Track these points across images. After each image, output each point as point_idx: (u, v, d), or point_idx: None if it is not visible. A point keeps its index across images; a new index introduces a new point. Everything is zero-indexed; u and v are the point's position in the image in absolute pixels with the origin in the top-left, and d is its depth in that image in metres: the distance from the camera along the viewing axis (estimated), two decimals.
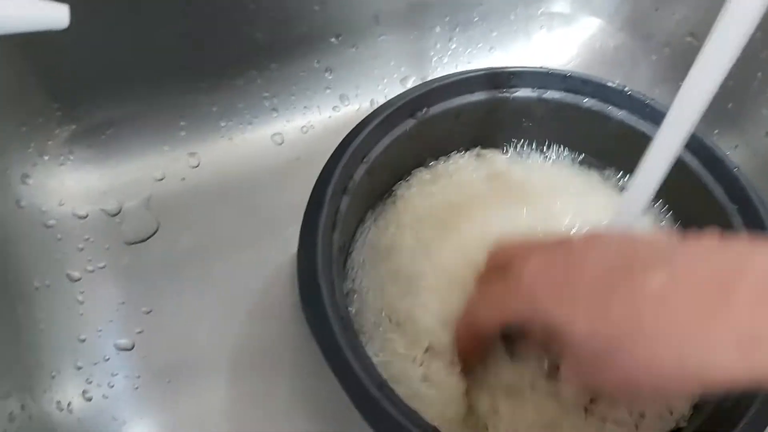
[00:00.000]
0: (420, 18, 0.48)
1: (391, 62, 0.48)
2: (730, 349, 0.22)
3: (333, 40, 0.46)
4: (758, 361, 0.22)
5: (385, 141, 0.37)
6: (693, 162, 0.37)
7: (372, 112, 0.37)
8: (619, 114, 0.38)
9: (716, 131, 0.46)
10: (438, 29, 0.49)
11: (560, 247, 0.28)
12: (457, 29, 0.49)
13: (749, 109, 0.45)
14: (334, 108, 0.48)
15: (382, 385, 0.29)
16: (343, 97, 0.48)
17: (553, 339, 0.26)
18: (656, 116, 0.37)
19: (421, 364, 0.33)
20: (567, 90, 0.38)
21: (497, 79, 0.38)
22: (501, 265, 0.30)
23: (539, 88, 0.39)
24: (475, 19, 0.49)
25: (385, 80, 0.49)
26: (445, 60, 0.50)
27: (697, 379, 0.23)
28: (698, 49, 0.44)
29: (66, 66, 0.40)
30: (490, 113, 0.39)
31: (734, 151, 0.46)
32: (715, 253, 0.24)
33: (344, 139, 0.36)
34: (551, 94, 0.39)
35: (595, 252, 0.26)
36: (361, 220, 0.39)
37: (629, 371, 0.24)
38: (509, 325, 0.30)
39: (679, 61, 0.47)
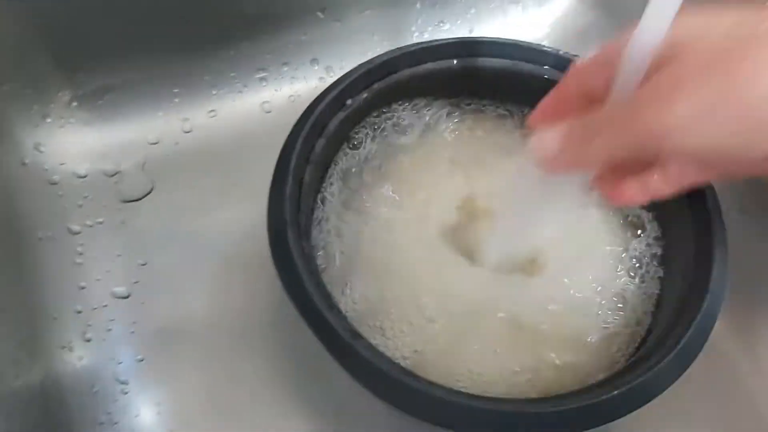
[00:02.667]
0: None
1: (374, 36, 0.51)
2: None
3: (319, 14, 0.49)
4: None
5: (340, 115, 0.39)
6: None
7: (329, 86, 0.39)
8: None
9: None
10: (419, 5, 0.52)
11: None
12: (437, 6, 0.52)
13: None
14: (320, 79, 0.51)
15: (355, 334, 0.31)
16: (328, 69, 0.51)
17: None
18: None
19: None
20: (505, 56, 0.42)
21: (439, 51, 0.41)
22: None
23: (475, 56, 0.42)
24: None
25: (369, 53, 0.51)
26: (426, 35, 0.53)
27: None
28: None
29: (68, 34, 0.42)
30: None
31: None
32: None
33: (303, 113, 0.38)
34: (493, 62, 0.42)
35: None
36: (322, 183, 0.41)
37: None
38: None
39: None
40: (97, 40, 0.44)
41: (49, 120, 0.44)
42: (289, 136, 0.37)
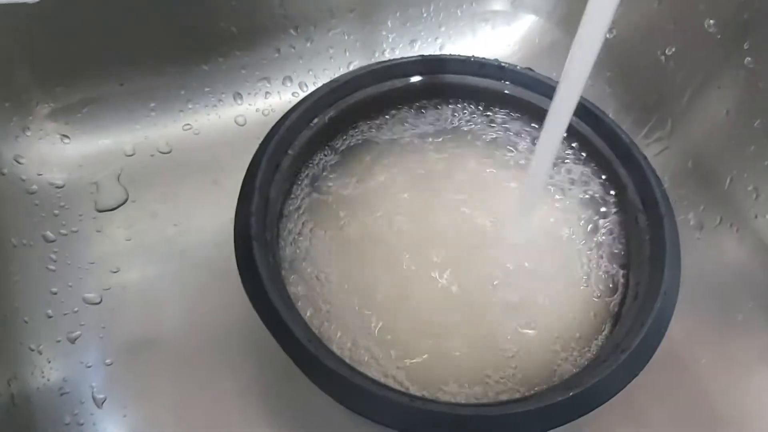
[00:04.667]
0: (372, 13, 0.52)
1: (346, 53, 0.53)
2: None
3: (292, 31, 0.51)
4: None
5: (306, 133, 0.41)
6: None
7: (294, 105, 0.41)
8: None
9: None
10: (389, 23, 0.53)
11: None
12: (408, 24, 0.54)
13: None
14: (293, 94, 0.53)
15: (311, 338, 0.33)
16: (301, 84, 0.53)
17: None
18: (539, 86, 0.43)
19: None
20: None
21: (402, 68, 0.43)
22: None
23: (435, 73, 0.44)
24: (424, 15, 0.54)
25: (341, 69, 0.53)
26: (397, 52, 0.54)
27: None
28: (619, 43, 0.49)
29: (47, 49, 0.44)
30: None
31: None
32: None
33: (270, 131, 0.40)
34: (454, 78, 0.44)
35: None
36: (288, 198, 0.42)
37: None
38: None
39: (607, 54, 0.52)
40: (76, 55, 0.46)
41: (28, 133, 0.46)
42: (255, 153, 0.39)
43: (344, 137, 0.44)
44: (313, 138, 0.42)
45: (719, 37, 0.44)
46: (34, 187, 0.45)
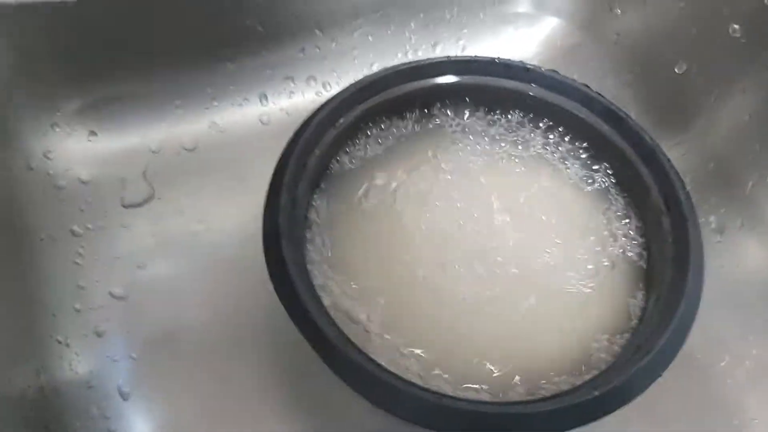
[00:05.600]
0: (396, 14, 0.53)
1: (370, 54, 0.53)
2: None
3: (317, 31, 0.52)
4: None
5: (332, 132, 0.41)
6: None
7: (322, 104, 0.41)
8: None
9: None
10: (413, 25, 0.54)
11: None
12: (431, 26, 0.54)
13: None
14: (317, 93, 0.53)
15: (346, 339, 0.33)
16: (325, 84, 0.53)
17: None
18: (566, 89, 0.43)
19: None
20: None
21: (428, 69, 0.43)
22: None
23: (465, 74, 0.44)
24: (447, 17, 0.54)
25: (364, 70, 0.54)
26: (419, 53, 0.55)
27: None
28: (641, 46, 0.49)
29: (76, 46, 0.45)
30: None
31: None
32: None
33: (297, 130, 0.40)
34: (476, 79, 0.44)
35: None
36: (313, 196, 0.42)
37: None
38: None
39: (627, 56, 0.52)
40: (104, 52, 0.46)
41: (57, 129, 0.46)
42: (283, 152, 0.39)
43: (369, 137, 0.44)
44: (339, 137, 0.42)
45: (743, 41, 0.44)
46: (62, 182, 0.46)
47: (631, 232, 0.41)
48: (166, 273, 0.45)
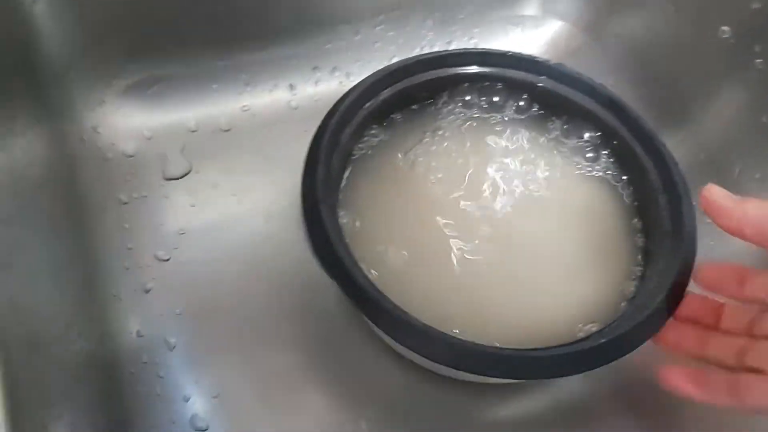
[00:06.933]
0: (416, 12, 0.58)
1: (390, 47, 0.58)
2: None
3: (342, 26, 0.56)
4: None
5: (363, 111, 0.45)
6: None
7: (356, 84, 0.45)
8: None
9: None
10: (430, 22, 0.58)
11: None
12: (446, 24, 0.59)
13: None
14: (340, 83, 0.57)
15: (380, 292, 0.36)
16: (348, 74, 0.57)
17: None
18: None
19: None
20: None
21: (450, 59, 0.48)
22: None
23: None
24: (461, 17, 0.59)
25: (384, 63, 0.58)
26: (435, 48, 0.59)
27: None
28: (640, 46, 0.54)
29: (131, 27, 0.49)
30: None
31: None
32: None
33: (333, 105, 0.44)
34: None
35: None
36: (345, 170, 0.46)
37: None
38: None
39: (626, 57, 0.57)
40: (149, 37, 0.50)
41: (105, 105, 0.50)
42: (319, 126, 0.43)
43: (397, 117, 0.48)
44: (368, 117, 0.46)
45: (732, 41, 0.49)
46: (109, 155, 0.50)
47: (633, 208, 0.46)
48: (204, 239, 0.49)
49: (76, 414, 0.33)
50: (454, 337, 0.35)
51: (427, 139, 0.48)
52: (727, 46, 0.50)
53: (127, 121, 0.51)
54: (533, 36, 0.61)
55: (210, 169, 0.52)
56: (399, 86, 0.48)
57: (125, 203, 0.48)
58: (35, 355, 0.30)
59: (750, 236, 0.34)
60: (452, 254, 0.42)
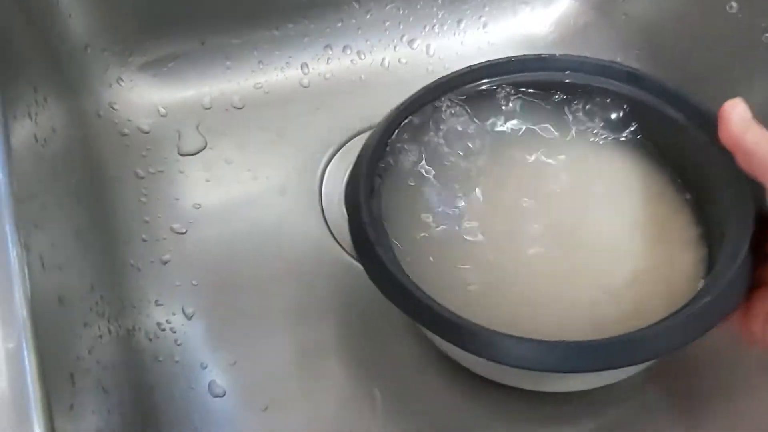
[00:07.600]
0: None
1: (400, 25, 0.59)
2: None
3: (355, 4, 0.57)
4: None
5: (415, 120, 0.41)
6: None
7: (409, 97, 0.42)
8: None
9: None
10: (440, 1, 0.59)
11: None
12: (456, 3, 0.60)
13: None
14: (352, 61, 0.58)
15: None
16: (360, 53, 0.58)
17: None
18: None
19: None
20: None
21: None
22: None
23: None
24: None
25: (395, 41, 0.59)
26: (445, 27, 0.60)
27: None
28: (648, 23, 0.54)
29: (142, 9, 0.50)
30: None
31: None
32: None
33: (389, 122, 0.40)
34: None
35: None
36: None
37: None
38: None
39: (635, 34, 0.58)
40: (166, 14, 0.51)
41: (122, 83, 0.51)
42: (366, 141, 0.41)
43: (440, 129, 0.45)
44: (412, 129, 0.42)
45: (740, 16, 0.50)
46: (126, 130, 0.51)
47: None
48: (219, 213, 0.50)
49: (100, 371, 0.34)
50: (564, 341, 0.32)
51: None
52: (736, 20, 0.50)
53: (142, 98, 0.52)
54: (541, 14, 0.61)
55: (224, 146, 0.53)
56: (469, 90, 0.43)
57: (142, 177, 0.49)
58: (63, 310, 0.31)
59: (740, 161, 0.33)
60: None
